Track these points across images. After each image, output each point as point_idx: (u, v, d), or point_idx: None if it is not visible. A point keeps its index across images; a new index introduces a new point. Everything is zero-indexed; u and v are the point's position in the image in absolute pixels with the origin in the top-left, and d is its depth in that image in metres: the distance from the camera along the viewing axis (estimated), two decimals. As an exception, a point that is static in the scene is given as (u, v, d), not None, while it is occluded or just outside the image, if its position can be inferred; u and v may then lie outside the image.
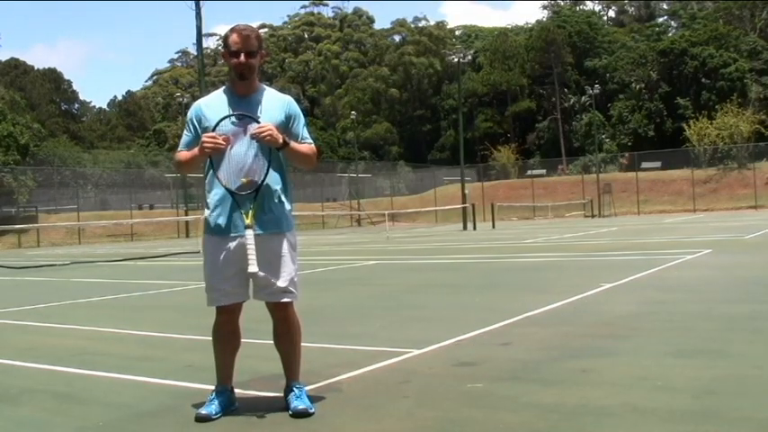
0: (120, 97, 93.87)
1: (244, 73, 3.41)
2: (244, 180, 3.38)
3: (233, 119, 3.41)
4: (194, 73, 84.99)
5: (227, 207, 3.41)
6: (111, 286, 11.04)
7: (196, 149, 3.41)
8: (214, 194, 3.45)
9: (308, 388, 3.77)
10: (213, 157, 3.40)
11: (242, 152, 3.39)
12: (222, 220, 3.42)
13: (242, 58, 3.39)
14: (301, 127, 3.56)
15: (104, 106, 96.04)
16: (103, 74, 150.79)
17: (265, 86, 3.57)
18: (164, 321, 6.94)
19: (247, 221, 3.34)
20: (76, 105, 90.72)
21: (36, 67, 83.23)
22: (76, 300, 9.24)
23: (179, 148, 3.57)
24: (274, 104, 3.50)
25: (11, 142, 46.12)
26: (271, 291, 3.44)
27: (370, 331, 5.84)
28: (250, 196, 3.37)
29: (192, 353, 5.12)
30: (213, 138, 3.34)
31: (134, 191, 51.81)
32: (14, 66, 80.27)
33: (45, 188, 48.30)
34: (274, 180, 3.46)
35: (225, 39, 3.47)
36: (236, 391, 3.76)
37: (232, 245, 3.39)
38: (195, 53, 64.86)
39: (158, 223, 40.92)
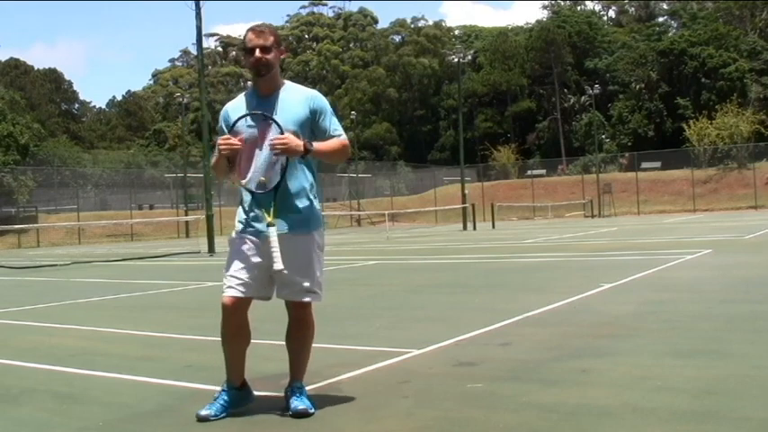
0: (119, 97, 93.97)
1: (260, 69, 3.41)
2: (263, 178, 3.40)
3: (253, 119, 3.41)
4: (194, 73, 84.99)
5: (252, 206, 3.43)
6: (111, 286, 11.04)
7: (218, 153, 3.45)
8: (243, 194, 3.49)
9: (308, 388, 3.77)
10: (240, 157, 3.42)
11: (267, 151, 3.39)
12: (248, 219, 3.44)
13: (257, 53, 3.38)
14: (329, 120, 3.52)
15: (104, 106, 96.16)
16: (103, 74, 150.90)
17: (288, 83, 3.55)
18: (164, 321, 6.94)
19: (269, 219, 3.35)
20: (76, 105, 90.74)
21: (36, 67, 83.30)
22: (76, 300, 9.24)
23: (215, 153, 3.57)
24: (296, 100, 3.47)
25: (11, 142, 46.13)
26: (294, 289, 3.43)
27: (370, 331, 5.84)
28: (270, 194, 3.37)
29: (192, 353, 5.12)
30: (227, 140, 3.37)
31: (134, 191, 51.81)
32: (14, 66, 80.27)
33: (45, 188, 48.27)
34: (301, 179, 3.45)
35: (242, 41, 3.49)
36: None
37: (254, 243, 3.40)
38: (195, 53, 64.96)
39: (158, 223, 40.91)
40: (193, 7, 26.26)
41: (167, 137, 71.87)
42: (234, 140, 3.36)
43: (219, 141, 3.38)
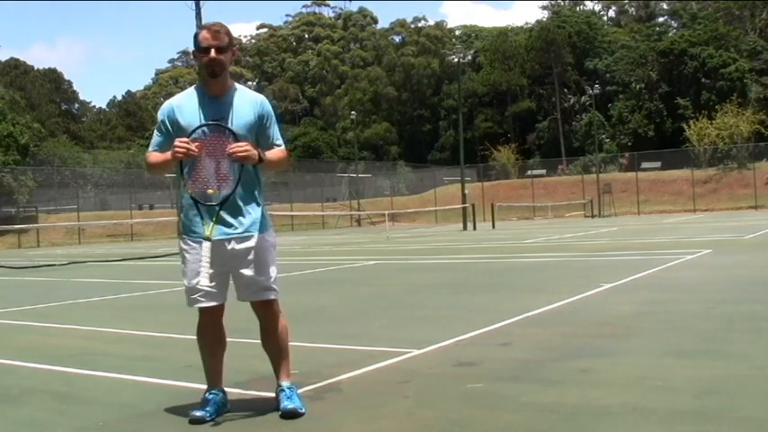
0: (119, 97, 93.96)
1: (215, 69, 3.36)
2: (210, 191, 3.35)
3: (208, 127, 3.36)
4: (194, 73, 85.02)
5: (196, 211, 3.39)
6: (111, 286, 11.04)
7: (168, 153, 3.36)
8: (186, 198, 3.44)
9: (308, 388, 3.78)
10: (185, 162, 3.36)
11: (215, 159, 3.35)
12: (194, 224, 3.42)
13: (212, 53, 3.35)
14: (273, 128, 3.52)
15: (104, 106, 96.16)
16: (103, 74, 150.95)
17: (238, 85, 3.52)
18: (164, 321, 6.93)
19: (206, 233, 3.30)
20: (76, 105, 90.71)
21: (36, 67, 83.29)
22: (76, 300, 9.24)
23: (150, 149, 3.50)
24: (246, 105, 3.45)
25: (11, 142, 46.07)
26: (253, 290, 3.43)
27: (370, 331, 5.84)
28: (215, 208, 3.34)
29: (192, 353, 5.09)
30: (186, 143, 3.29)
31: (134, 191, 51.76)
32: (14, 66, 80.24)
33: (45, 188, 48.25)
34: (250, 184, 3.44)
35: (195, 37, 3.42)
36: (237, 391, 3.78)
37: (206, 246, 3.36)
38: (195, 53, 64.81)
39: (158, 223, 40.88)
40: (193, 7, 26.29)
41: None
42: (192, 146, 3.29)
43: (177, 143, 3.29)
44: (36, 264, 17.90)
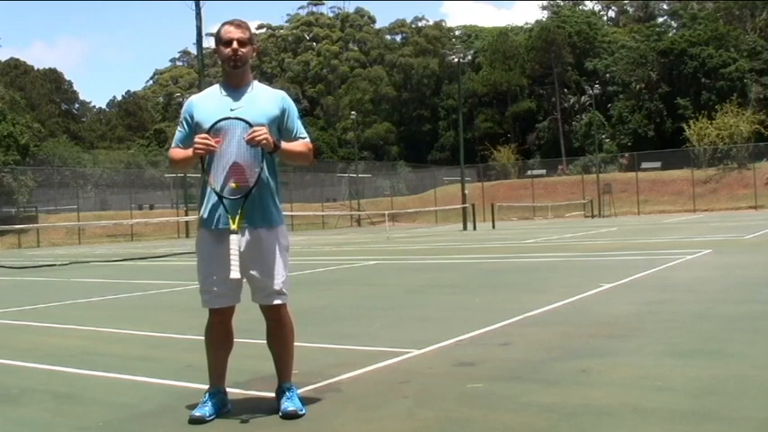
0: (119, 97, 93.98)
1: (237, 62, 3.42)
2: (233, 185, 3.36)
3: (225, 118, 3.39)
4: (194, 73, 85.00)
5: (218, 205, 3.40)
6: (111, 286, 11.04)
7: (190, 150, 3.41)
8: (207, 192, 3.45)
9: (307, 388, 3.77)
10: (206, 157, 3.40)
11: (233, 152, 3.38)
12: (213, 218, 3.41)
13: (234, 45, 3.40)
14: (296, 122, 3.54)
15: (104, 106, 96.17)
16: (103, 74, 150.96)
17: (256, 81, 3.57)
18: (164, 321, 6.93)
19: (233, 226, 3.32)
20: (76, 105, 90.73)
21: (36, 67, 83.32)
22: (76, 300, 9.24)
23: (173, 145, 3.58)
24: (268, 98, 3.49)
25: (11, 142, 46.08)
26: (265, 293, 3.43)
27: (370, 331, 5.84)
28: (239, 201, 3.35)
29: (191, 353, 5.11)
30: (206, 139, 3.33)
31: (134, 191, 51.78)
32: (14, 66, 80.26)
33: (45, 188, 48.27)
34: (268, 179, 3.45)
35: (217, 33, 3.48)
36: (237, 391, 3.77)
37: (223, 245, 3.36)
38: (195, 53, 64.84)
39: (158, 223, 40.90)
40: (193, 7, 26.30)
41: (167, 137, 71.82)
42: (211, 141, 3.33)
43: (197, 140, 3.34)
44: (36, 264, 17.90)
